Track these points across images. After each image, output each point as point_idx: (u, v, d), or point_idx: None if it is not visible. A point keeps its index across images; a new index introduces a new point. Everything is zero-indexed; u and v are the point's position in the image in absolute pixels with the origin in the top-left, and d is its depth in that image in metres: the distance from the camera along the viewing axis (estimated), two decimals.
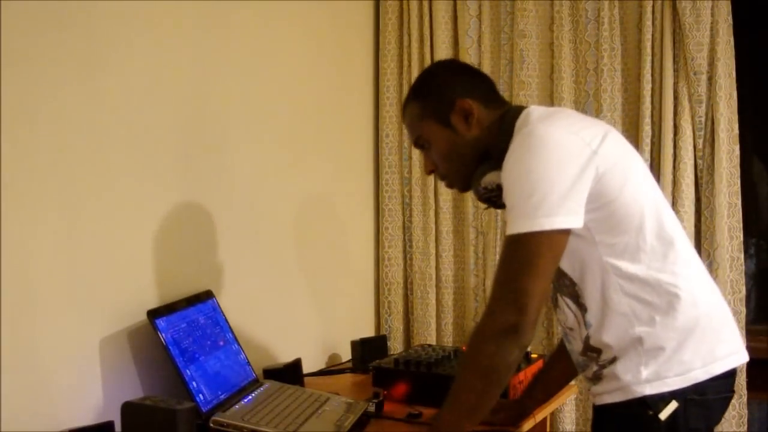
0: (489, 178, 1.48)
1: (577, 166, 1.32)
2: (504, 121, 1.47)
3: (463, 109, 1.51)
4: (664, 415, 1.34)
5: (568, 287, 1.45)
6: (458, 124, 1.52)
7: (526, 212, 1.32)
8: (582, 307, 1.44)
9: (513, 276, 1.32)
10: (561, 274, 1.45)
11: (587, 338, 1.44)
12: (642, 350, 1.36)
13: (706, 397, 1.37)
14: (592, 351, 1.44)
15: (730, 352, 1.41)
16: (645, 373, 1.35)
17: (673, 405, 1.34)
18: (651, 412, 1.34)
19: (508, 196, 1.37)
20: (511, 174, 1.36)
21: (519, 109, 1.49)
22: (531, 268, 1.31)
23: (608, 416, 1.43)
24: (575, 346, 1.49)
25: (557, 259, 1.35)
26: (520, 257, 1.32)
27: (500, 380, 1.34)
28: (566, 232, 1.33)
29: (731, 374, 1.41)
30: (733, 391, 1.45)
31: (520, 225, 1.32)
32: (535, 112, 1.47)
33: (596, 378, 1.44)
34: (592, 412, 1.50)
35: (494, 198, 1.49)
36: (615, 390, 1.39)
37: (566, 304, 1.47)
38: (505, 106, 1.54)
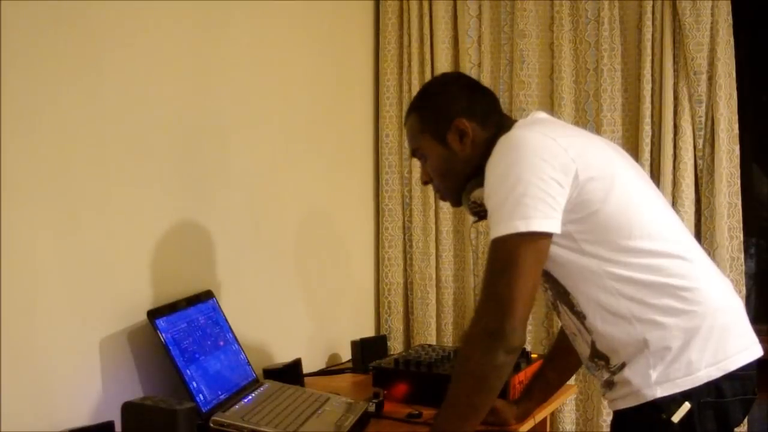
0: (477, 194, 1.50)
1: (551, 169, 1.32)
2: (496, 139, 1.46)
3: (459, 129, 1.53)
4: (677, 417, 1.33)
5: (563, 295, 1.45)
6: (453, 143, 1.54)
7: (502, 215, 1.32)
8: (579, 315, 1.43)
9: (495, 280, 1.33)
10: (556, 283, 1.45)
11: (593, 343, 1.44)
12: (649, 352, 1.35)
13: (723, 400, 1.35)
14: (599, 357, 1.44)
15: (743, 347, 1.39)
16: (654, 375, 1.34)
17: (686, 407, 1.33)
18: (664, 416, 1.33)
19: (487, 201, 1.38)
20: (489, 179, 1.38)
21: (512, 124, 1.50)
22: (511, 270, 1.31)
23: (624, 422, 1.42)
24: (582, 351, 1.49)
25: (540, 260, 1.34)
26: (501, 260, 1.32)
27: (490, 385, 1.34)
28: (546, 235, 1.33)
29: (748, 375, 1.38)
30: (755, 393, 1.42)
31: (498, 229, 1.33)
32: (521, 121, 1.50)
33: (609, 385, 1.43)
34: (612, 416, 1.49)
35: (482, 212, 1.49)
36: (627, 395, 1.38)
37: (565, 312, 1.48)
38: (502, 124, 1.53)
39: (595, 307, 1.40)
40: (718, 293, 1.41)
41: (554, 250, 1.37)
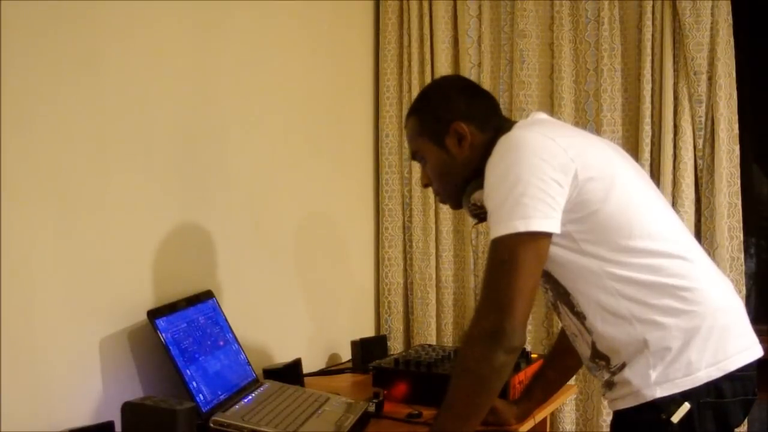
0: (477, 196, 1.49)
1: (551, 169, 1.32)
2: (495, 141, 1.46)
3: (457, 132, 1.53)
4: (676, 417, 1.33)
5: (563, 296, 1.45)
6: (452, 146, 1.54)
7: (502, 216, 1.33)
8: (579, 316, 1.43)
9: (495, 280, 1.33)
10: (556, 284, 1.45)
11: (593, 344, 1.44)
12: (649, 353, 1.35)
13: (722, 400, 1.35)
14: (600, 358, 1.43)
15: (743, 347, 1.39)
16: (654, 375, 1.34)
17: (686, 407, 1.33)
18: (663, 416, 1.33)
19: (486, 202, 1.38)
20: (488, 179, 1.38)
21: (511, 126, 1.50)
22: (511, 270, 1.31)
23: (623, 422, 1.42)
24: (583, 352, 1.49)
25: (540, 260, 1.34)
26: (500, 261, 1.33)
27: (490, 385, 1.34)
28: (546, 235, 1.33)
29: (748, 375, 1.38)
30: (755, 394, 1.41)
31: (498, 229, 1.33)
32: (520, 122, 1.50)
33: (609, 385, 1.43)
34: (612, 416, 1.49)
35: (482, 214, 1.49)
36: (627, 395, 1.38)
37: (565, 312, 1.48)
38: (501, 126, 1.52)
39: (596, 307, 1.40)
40: (718, 293, 1.41)
41: (554, 250, 1.37)
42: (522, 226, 1.30)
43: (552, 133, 1.39)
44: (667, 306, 1.35)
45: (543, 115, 1.55)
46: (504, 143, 1.39)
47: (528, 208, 1.30)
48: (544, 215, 1.31)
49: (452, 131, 1.53)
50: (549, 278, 1.46)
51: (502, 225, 1.32)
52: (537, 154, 1.33)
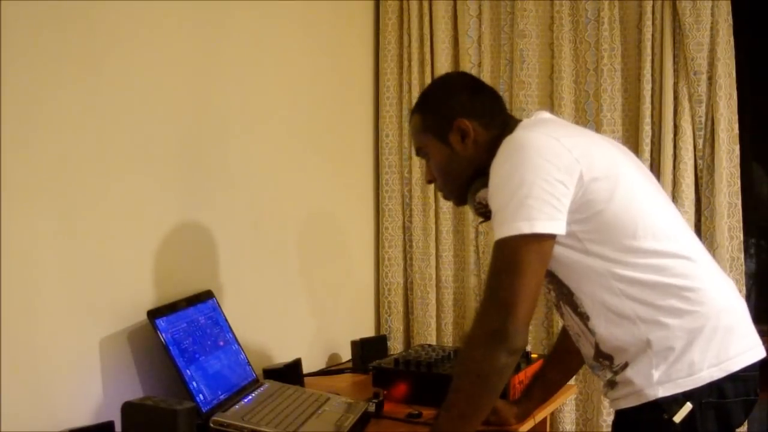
0: (482, 194, 1.49)
1: (556, 170, 1.32)
2: (499, 139, 1.46)
3: (460, 129, 1.53)
4: (678, 417, 1.33)
5: (566, 296, 1.45)
6: (455, 143, 1.54)
7: (506, 217, 1.32)
8: (582, 316, 1.43)
9: (498, 281, 1.33)
10: (560, 284, 1.45)
11: (597, 344, 1.44)
12: (652, 353, 1.35)
13: (725, 401, 1.35)
14: (603, 358, 1.43)
15: (746, 348, 1.39)
16: (656, 375, 1.34)
17: (688, 407, 1.33)
18: (665, 416, 1.33)
19: (491, 202, 1.38)
20: (493, 180, 1.38)
21: (516, 125, 1.49)
22: (515, 272, 1.31)
23: (625, 421, 1.42)
24: (586, 352, 1.49)
25: (543, 262, 1.34)
26: (504, 262, 1.33)
27: (491, 386, 1.34)
28: (550, 237, 1.33)
29: (751, 376, 1.38)
30: (757, 395, 1.41)
31: (502, 230, 1.33)
32: (524, 122, 1.50)
33: (611, 384, 1.43)
34: (614, 416, 1.49)
35: (488, 213, 1.49)
36: (629, 395, 1.38)
37: (568, 313, 1.47)
38: (506, 124, 1.53)
39: (600, 307, 1.39)
40: (721, 294, 1.41)
41: (558, 250, 1.37)
42: (526, 228, 1.30)
43: (556, 133, 1.38)
44: (671, 306, 1.35)
45: (546, 114, 1.55)
46: (508, 144, 1.39)
47: (532, 210, 1.30)
48: (548, 217, 1.31)
49: (455, 128, 1.53)
50: (553, 278, 1.45)
51: (506, 226, 1.32)
52: (542, 155, 1.33)
